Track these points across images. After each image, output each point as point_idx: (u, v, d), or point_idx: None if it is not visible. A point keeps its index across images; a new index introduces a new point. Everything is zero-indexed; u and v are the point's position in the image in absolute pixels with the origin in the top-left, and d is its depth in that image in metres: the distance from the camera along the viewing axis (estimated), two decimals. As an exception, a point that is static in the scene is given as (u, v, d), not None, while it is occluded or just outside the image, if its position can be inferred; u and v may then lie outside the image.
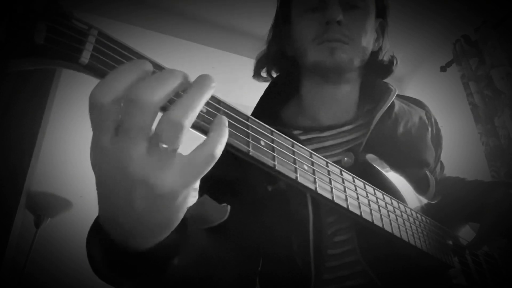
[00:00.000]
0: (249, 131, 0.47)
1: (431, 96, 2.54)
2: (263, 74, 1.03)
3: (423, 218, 0.78)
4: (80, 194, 2.48)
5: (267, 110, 0.95)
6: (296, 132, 0.89)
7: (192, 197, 0.43)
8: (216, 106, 0.45)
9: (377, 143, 0.82)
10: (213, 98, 0.45)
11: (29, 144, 1.90)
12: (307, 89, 0.96)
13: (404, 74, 2.94)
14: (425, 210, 0.83)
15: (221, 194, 0.77)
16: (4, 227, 1.83)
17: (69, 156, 2.54)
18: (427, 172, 0.91)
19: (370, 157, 0.78)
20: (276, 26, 1.01)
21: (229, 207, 0.71)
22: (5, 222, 1.83)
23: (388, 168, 0.80)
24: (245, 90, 2.36)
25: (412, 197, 0.82)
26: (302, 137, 0.87)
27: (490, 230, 0.79)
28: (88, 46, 0.39)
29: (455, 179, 1.05)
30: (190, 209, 0.73)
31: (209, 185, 0.84)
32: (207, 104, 0.44)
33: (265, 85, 1.03)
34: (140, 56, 0.42)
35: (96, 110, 0.36)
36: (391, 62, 1.01)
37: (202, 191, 0.84)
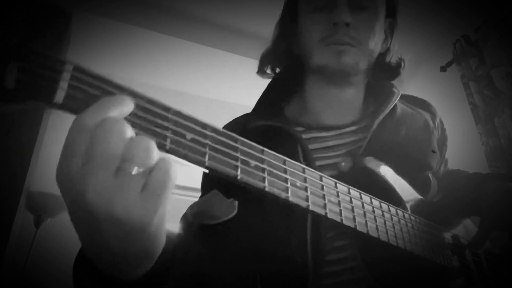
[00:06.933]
0: (238, 155, 0.46)
1: (431, 96, 2.49)
2: (268, 70, 1.00)
3: (422, 221, 0.77)
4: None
5: (271, 105, 0.94)
6: (299, 128, 0.87)
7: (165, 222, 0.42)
8: (203, 132, 0.44)
9: (378, 147, 0.81)
10: (198, 123, 0.44)
11: (29, 145, 1.91)
12: (311, 89, 0.94)
13: (405, 74, 2.92)
14: (426, 208, 0.82)
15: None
16: (4, 227, 1.84)
17: (69, 156, 2.53)
18: (429, 175, 0.90)
19: (369, 158, 0.77)
20: (282, 23, 0.98)
21: (236, 202, 0.69)
22: (5, 222, 1.84)
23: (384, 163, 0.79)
24: (244, 90, 2.36)
25: (411, 192, 0.82)
26: (305, 136, 0.85)
27: (491, 225, 0.78)
28: (62, 84, 0.37)
29: (456, 173, 1.04)
30: (196, 205, 0.73)
31: (208, 186, 0.84)
32: (193, 131, 0.43)
33: (266, 83, 1.01)
34: (120, 88, 0.40)
35: (76, 131, 0.36)
36: (398, 65, 0.98)
37: (203, 191, 0.84)
